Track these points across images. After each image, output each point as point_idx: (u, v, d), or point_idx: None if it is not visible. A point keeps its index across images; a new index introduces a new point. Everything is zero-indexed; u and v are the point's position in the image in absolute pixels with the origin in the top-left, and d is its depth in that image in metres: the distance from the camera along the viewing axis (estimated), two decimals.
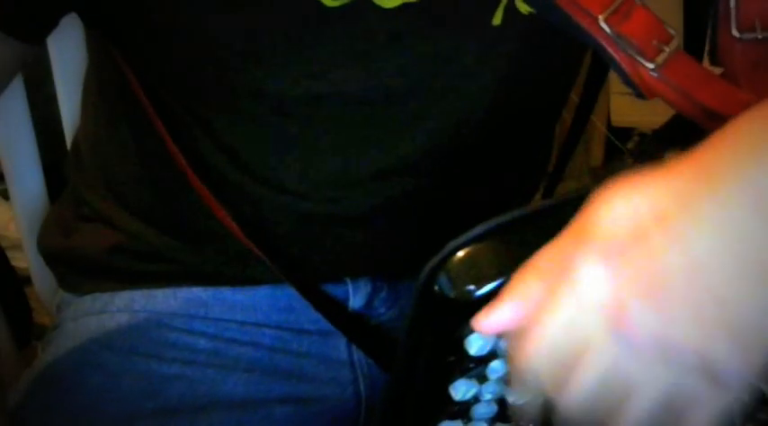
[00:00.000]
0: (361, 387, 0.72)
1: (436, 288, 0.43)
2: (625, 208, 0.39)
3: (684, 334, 0.38)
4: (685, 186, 0.39)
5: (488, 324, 0.41)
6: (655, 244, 0.38)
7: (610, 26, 0.48)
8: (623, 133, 1.77)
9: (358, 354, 0.72)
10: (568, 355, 0.39)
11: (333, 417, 0.71)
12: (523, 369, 0.40)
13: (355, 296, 0.71)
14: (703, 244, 0.38)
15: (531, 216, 0.45)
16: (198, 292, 0.70)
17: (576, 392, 0.39)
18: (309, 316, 0.71)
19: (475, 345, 0.44)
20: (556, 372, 0.40)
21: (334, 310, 0.69)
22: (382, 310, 0.72)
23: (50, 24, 0.58)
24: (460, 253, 0.43)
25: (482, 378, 0.47)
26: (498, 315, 0.41)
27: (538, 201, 0.79)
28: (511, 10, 0.58)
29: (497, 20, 0.58)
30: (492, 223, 0.44)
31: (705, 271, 0.38)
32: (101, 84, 0.69)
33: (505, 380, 0.47)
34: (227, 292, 0.70)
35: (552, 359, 0.40)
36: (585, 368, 0.39)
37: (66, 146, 0.82)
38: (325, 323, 0.71)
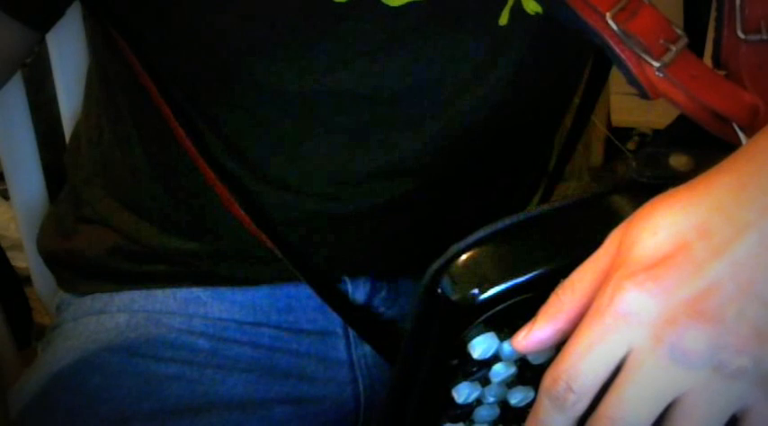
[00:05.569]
0: (360, 387, 0.72)
1: (439, 290, 0.43)
2: (666, 224, 0.39)
3: (738, 342, 0.38)
4: (725, 197, 0.39)
5: (527, 344, 0.42)
6: (700, 258, 0.38)
7: (617, 23, 0.47)
8: (623, 133, 1.77)
9: (357, 354, 0.72)
10: (609, 372, 0.39)
11: (332, 417, 0.71)
12: (558, 388, 0.40)
13: (355, 294, 0.71)
14: (749, 253, 0.38)
15: (535, 219, 0.45)
16: (197, 292, 0.70)
17: (621, 410, 0.39)
18: (308, 316, 0.71)
19: (478, 349, 0.44)
20: (593, 390, 0.39)
21: (342, 304, 0.69)
22: (382, 309, 0.72)
23: (57, 9, 0.58)
24: (464, 256, 0.43)
25: (485, 381, 0.46)
26: (537, 335, 0.41)
27: (539, 203, 0.79)
28: (517, 10, 0.57)
29: (504, 20, 0.58)
30: (496, 226, 0.44)
31: (754, 279, 0.38)
32: (105, 78, 0.69)
33: (508, 383, 0.47)
34: (226, 292, 0.70)
35: (594, 376, 0.39)
36: (632, 385, 0.39)
37: (66, 147, 0.82)
38: (324, 323, 0.71)
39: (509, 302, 0.43)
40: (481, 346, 0.44)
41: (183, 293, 0.70)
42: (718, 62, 0.48)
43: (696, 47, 0.50)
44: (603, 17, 0.48)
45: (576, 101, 0.73)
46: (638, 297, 0.38)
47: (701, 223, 0.39)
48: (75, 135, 0.77)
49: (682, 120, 0.48)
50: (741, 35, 0.47)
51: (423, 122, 0.62)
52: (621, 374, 0.39)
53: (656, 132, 1.65)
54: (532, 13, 0.58)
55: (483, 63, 0.60)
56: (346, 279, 0.70)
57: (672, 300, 0.38)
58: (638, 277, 0.38)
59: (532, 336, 0.41)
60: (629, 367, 0.39)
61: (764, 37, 0.48)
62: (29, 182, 0.82)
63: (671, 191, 0.40)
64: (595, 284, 0.40)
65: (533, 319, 0.42)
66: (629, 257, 0.39)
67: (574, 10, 0.48)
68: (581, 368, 0.39)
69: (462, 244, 0.43)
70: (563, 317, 0.41)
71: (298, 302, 0.70)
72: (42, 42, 0.70)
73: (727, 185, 0.39)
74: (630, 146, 1.78)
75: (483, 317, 0.43)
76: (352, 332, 0.71)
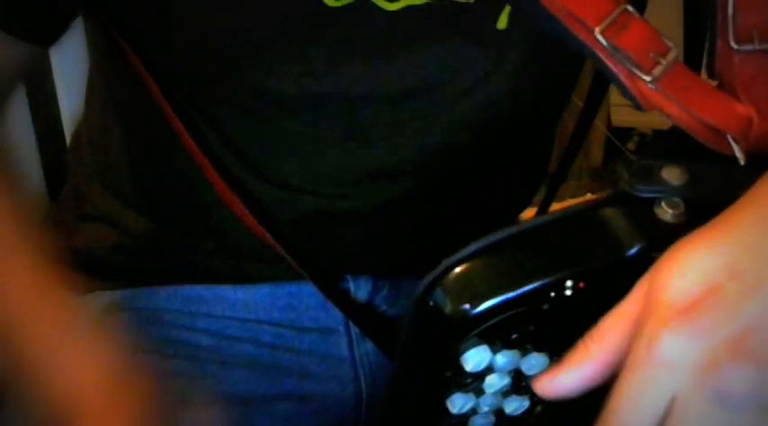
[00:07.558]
0: (362, 385, 0.72)
1: (432, 303, 0.43)
2: (694, 266, 0.38)
3: None
4: (750, 235, 0.38)
5: (551, 390, 0.41)
6: (734, 299, 0.37)
7: (606, 38, 0.47)
8: (623, 133, 1.78)
9: (359, 351, 0.72)
10: (657, 422, 0.38)
11: (334, 414, 0.71)
12: None
13: (357, 293, 0.71)
14: None
15: (528, 232, 0.44)
16: (199, 290, 0.70)
17: None
18: (310, 314, 0.71)
19: (471, 362, 0.44)
20: None
21: (344, 302, 0.69)
22: (384, 307, 0.72)
23: (62, 25, 0.58)
24: (457, 269, 0.43)
25: (479, 392, 0.46)
26: (562, 381, 0.40)
27: (541, 204, 0.79)
28: (516, 14, 0.57)
29: (502, 24, 0.58)
30: (489, 239, 0.43)
31: None
32: (106, 78, 0.69)
33: (503, 393, 0.47)
34: (228, 290, 0.70)
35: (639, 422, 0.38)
36: None
37: (66, 146, 0.82)
38: (325, 321, 0.71)
39: (502, 316, 0.43)
40: (474, 359, 0.44)
41: (184, 291, 0.70)
42: (712, 72, 0.48)
43: (697, 59, 0.50)
44: (593, 32, 0.47)
45: (580, 104, 0.72)
46: (675, 342, 0.37)
47: (729, 263, 0.38)
48: (76, 134, 0.78)
49: (676, 130, 0.48)
50: (734, 45, 0.47)
51: (423, 123, 0.62)
52: (668, 423, 0.38)
53: (656, 132, 1.65)
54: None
55: (482, 66, 0.60)
56: (348, 277, 0.70)
57: (711, 343, 0.37)
58: (673, 322, 0.37)
59: (557, 382, 0.40)
60: (676, 415, 0.38)
61: (757, 47, 0.47)
62: (29, 182, 0.82)
63: (693, 234, 0.39)
64: (624, 333, 0.39)
65: (558, 364, 0.41)
66: (660, 303, 0.38)
67: (563, 25, 0.48)
68: (630, 423, 0.38)
69: (456, 256, 0.43)
70: (590, 367, 0.40)
71: (299, 300, 0.70)
72: None
73: (749, 222, 0.38)
74: (630, 146, 1.79)
75: (476, 331, 0.43)
76: (354, 330, 0.71)
